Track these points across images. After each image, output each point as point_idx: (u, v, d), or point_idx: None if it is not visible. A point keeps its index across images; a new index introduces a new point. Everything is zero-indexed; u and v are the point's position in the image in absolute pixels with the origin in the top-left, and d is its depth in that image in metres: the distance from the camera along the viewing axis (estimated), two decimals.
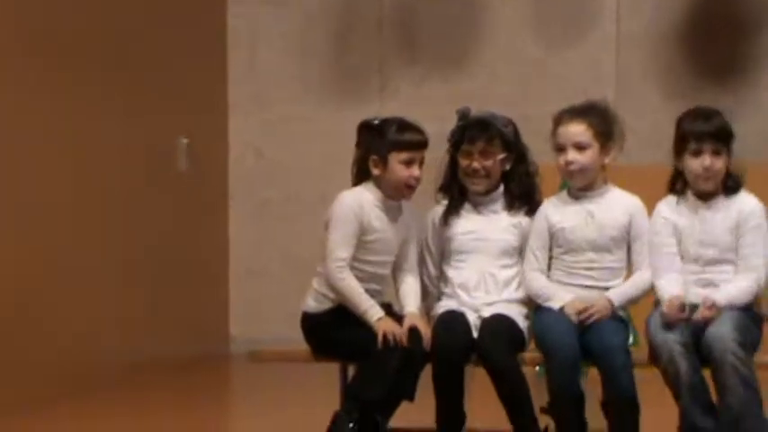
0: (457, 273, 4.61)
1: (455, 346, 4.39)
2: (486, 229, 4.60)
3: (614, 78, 7.72)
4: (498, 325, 4.44)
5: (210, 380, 7.21)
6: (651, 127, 7.23)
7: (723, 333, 4.21)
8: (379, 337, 4.36)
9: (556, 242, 4.54)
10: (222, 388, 7.06)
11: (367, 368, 4.41)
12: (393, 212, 4.57)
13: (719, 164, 4.43)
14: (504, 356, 4.37)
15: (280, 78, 8.13)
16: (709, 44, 7.60)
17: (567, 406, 4.33)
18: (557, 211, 4.56)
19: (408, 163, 4.50)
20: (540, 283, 4.52)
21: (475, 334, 4.45)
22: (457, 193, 4.66)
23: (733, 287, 4.35)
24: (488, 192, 4.65)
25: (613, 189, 4.59)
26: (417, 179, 4.52)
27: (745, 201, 4.45)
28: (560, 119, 4.55)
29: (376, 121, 4.59)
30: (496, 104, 7.31)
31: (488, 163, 4.60)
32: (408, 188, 4.54)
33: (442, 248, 4.67)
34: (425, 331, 4.43)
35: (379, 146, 4.52)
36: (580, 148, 4.50)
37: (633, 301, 4.51)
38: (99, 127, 6.84)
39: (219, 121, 8.13)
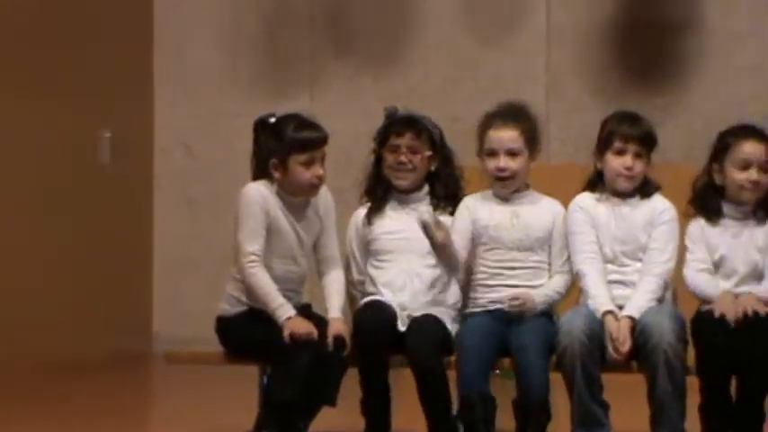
0: (381, 272, 4.57)
1: (378, 327, 4.35)
2: (410, 228, 4.56)
3: (545, 78, 7.70)
4: (428, 325, 4.41)
5: (130, 380, 7.10)
6: (580, 126, 7.23)
7: (662, 324, 4.23)
8: (285, 337, 4.28)
9: (479, 239, 4.51)
10: (140, 390, 6.94)
11: (278, 369, 4.34)
12: (298, 210, 4.49)
13: (640, 166, 4.50)
14: (431, 356, 4.34)
15: (208, 72, 8.02)
16: (637, 45, 7.61)
17: (474, 409, 4.28)
18: (482, 209, 4.53)
19: (309, 163, 4.43)
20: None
21: (402, 328, 4.42)
22: (381, 193, 4.61)
23: (641, 298, 4.37)
24: (413, 190, 4.60)
25: (535, 192, 4.60)
26: (320, 178, 4.45)
27: (659, 202, 4.52)
28: (491, 123, 4.52)
29: (272, 119, 4.50)
30: (427, 104, 7.28)
31: (415, 158, 4.56)
32: (313, 188, 4.47)
33: (366, 251, 4.62)
34: (349, 337, 4.37)
35: (276, 148, 4.43)
36: (512, 154, 4.49)
37: (556, 300, 4.50)
38: (17, 119, 6.70)
39: (145, 114, 8.00)
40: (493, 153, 4.50)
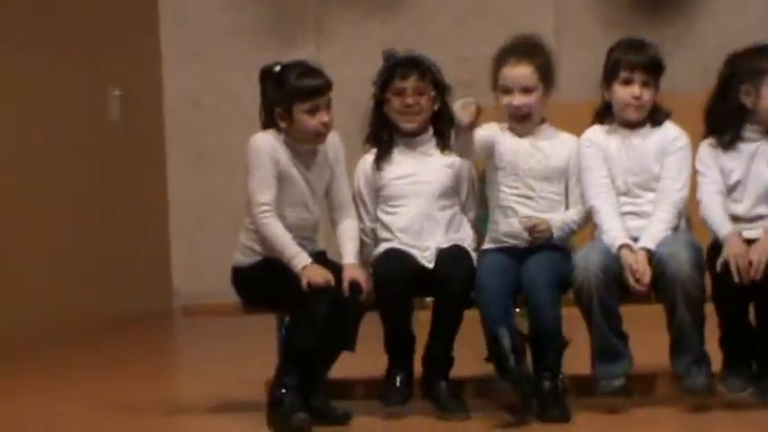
0: (396, 218, 4.54)
1: (398, 277, 4.33)
2: (421, 171, 4.53)
3: (552, 12, 7.64)
4: (458, 254, 4.41)
5: (152, 336, 7.15)
6: (591, 60, 7.14)
7: (679, 254, 4.21)
8: (304, 285, 4.27)
9: (498, 163, 4.46)
10: (162, 344, 6.99)
11: (297, 317, 4.34)
12: (307, 157, 4.46)
13: (648, 95, 4.43)
14: (462, 285, 4.33)
15: (213, 25, 7.99)
16: None
17: (503, 343, 4.24)
18: (501, 135, 4.48)
19: (313, 111, 4.39)
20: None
21: (429, 265, 4.41)
22: (387, 137, 4.57)
23: (655, 228, 4.33)
24: (419, 133, 4.57)
25: (551, 127, 4.54)
26: (326, 125, 4.41)
27: (670, 129, 4.46)
28: (505, 60, 4.46)
29: (277, 68, 4.45)
30: (434, 46, 7.24)
31: (422, 99, 4.52)
32: (319, 135, 4.43)
33: (376, 197, 4.59)
34: (365, 283, 4.36)
35: (280, 98, 4.39)
36: (527, 91, 4.44)
37: (574, 230, 4.46)
38: (26, 80, 6.68)
39: (152, 70, 7.98)
40: (508, 90, 4.44)
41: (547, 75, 4.47)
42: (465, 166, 4.55)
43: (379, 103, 4.57)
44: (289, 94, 4.38)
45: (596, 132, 4.50)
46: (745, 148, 4.38)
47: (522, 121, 4.47)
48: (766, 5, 7.40)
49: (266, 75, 4.48)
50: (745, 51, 4.40)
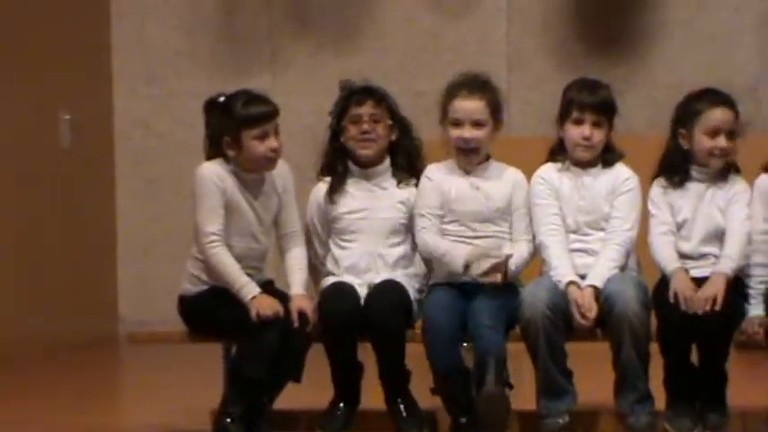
0: (345, 254, 4.54)
1: (342, 311, 4.34)
2: (373, 207, 4.54)
3: (506, 51, 7.69)
4: (389, 288, 4.40)
5: (96, 363, 7.07)
6: (543, 100, 7.22)
7: (626, 292, 4.24)
8: (253, 316, 4.27)
9: (442, 209, 4.49)
10: (106, 372, 6.92)
11: (245, 347, 4.33)
12: (255, 186, 4.46)
13: (599, 135, 4.48)
14: (391, 316, 4.33)
15: (167, 52, 7.96)
16: (598, 16, 7.61)
17: (448, 381, 4.31)
18: (444, 180, 4.51)
19: (262, 137, 4.39)
20: (433, 241, 4.45)
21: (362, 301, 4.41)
22: (341, 169, 4.57)
23: (603, 266, 4.37)
24: (375, 163, 4.57)
25: (495, 162, 4.57)
26: (276, 150, 4.42)
27: (622, 170, 4.51)
28: (456, 92, 4.49)
29: (221, 99, 4.48)
30: (388, 79, 7.24)
31: (378, 126, 4.53)
32: (269, 161, 4.44)
33: (328, 227, 4.59)
34: (312, 314, 4.36)
35: (228, 126, 4.40)
36: (478, 124, 4.47)
37: (517, 272, 4.47)
38: None
39: (104, 96, 7.93)
40: (458, 123, 4.47)
41: (496, 111, 4.51)
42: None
43: (335, 133, 4.58)
44: (237, 122, 4.38)
45: (549, 170, 4.53)
46: (694, 187, 4.44)
47: (469, 155, 4.50)
48: (717, 48, 7.50)
49: (211, 106, 4.50)
50: (688, 95, 4.48)
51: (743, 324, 4.25)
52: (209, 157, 4.48)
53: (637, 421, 4.30)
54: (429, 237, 4.45)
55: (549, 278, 4.39)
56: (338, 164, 4.58)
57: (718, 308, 4.19)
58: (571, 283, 4.34)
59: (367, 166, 4.58)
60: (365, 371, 4.48)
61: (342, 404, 4.44)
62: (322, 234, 4.61)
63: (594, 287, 4.33)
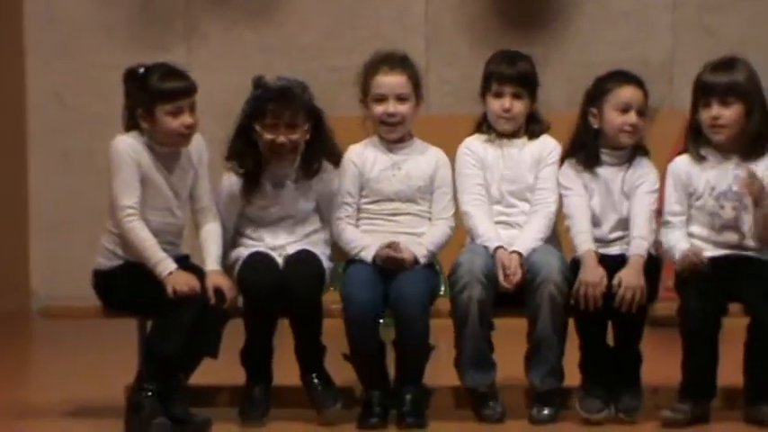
0: (256, 234, 4.53)
1: (264, 283, 4.32)
2: (284, 201, 4.51)
3: (424, 28, 7.70)
4: (303, 260, 4.39)
5: (7, 339, 6.98)
6: (461, 76, 7.25)
7: (550, 262, 4.28)
8: (169, 292, 4.23)
9: (364, 189, 4.51)
10: (18, 348, 6.83)
11: (160, 324, 4.30)
12: (169, 160, 4.41)
13: (519, 107, 4.50)
14: (309, 289, 4.32)
15: (82, 24, 7.86)
16: None
17: (366, 357, 4.34)
18: (364, 160, 4.52)
19: (176, 113, 4.34)
20: (349, 234, 4.46)
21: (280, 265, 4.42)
22: (252, 167, 4.49)
23: (528, 237, 4.40)
24: (287, 165, 4.52)
25: (418, 141, 4.58)
26: (189, 127, 4.36)
27: (548, 141, 4.54)
28: (378, 68, 4.49)
29: (141, 70, 4.40)
30: (305, 55, 7.28)
31: (295, 136, 4.46)
32: (182, 137, 4.38)
33: (238, 216, 4.55)
34: (228, 289, 4.33)
35: (143, 98, 4.34)
36: (401, 99, 4.47)
37: (437, 252, 4.48)
38: None
39: (16, 67, 7.80)
40: (382, 98, 4.46)
41: (417, 86, 4.53)
42: (328, 187, 4.54)
43: (245, 128, 4.48)
44: (151, 96, 4.33)
45: (475, 141, 4.56)
46: (603, 173, 4.47)
47: (393, 130, 4.50)
48: (632, 26, 7.57)
49: (130, 76, 4.43)
50: (597, 77, 4.53)
51: (679, 261, 4.28)
52: (128, 128, 4.42)
53: (542, 384, 4.34)
54: (343, 228, 4.48)
55: (483, 246, 4.39)
56: (249, 161, 4.49)
57: (641, 303, 4.24)
58: (499, 247, 4.37)
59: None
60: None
61: (257, 387, 4.42)
62: (233, 219, 4.55)
63: (520, 254, 4.36)
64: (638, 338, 4.35)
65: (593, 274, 4.28)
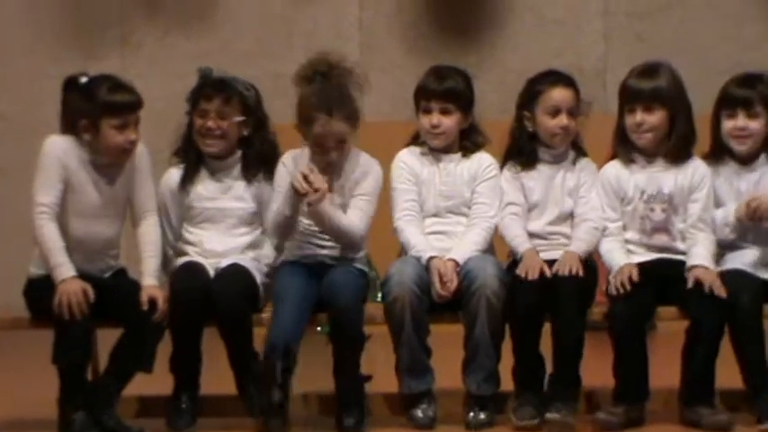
0: (197, 239, 4.52)
1: (193, 289, 4.30)
2: (222, 198, 4.51)
3: (358, 35, 7.71)
4: (233, 273, 4.38)
5: None
6: (395, 84, 7.27)
7: (486, 269, 4.30)
8: (56, 300, 4.18)
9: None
10: None
11: (57, 333, 4.23)
12: (104, 167, 4.37)
13: (449, 122, 4.50)
14: (235, 301, 4.30)
15: (12, 32, 7.78)
16: (451, 3, 7.68)
17: (284, 353, 4.28)
18: (298, 168, 4.49)
19: (122, 127, 4.32)
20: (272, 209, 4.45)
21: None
22: (194, 158, 4.52)
23: (465, 247, 4.42)
24: (224, 156, 4.53)
25: (354, 149, 4.56)
26: (133, 143, 4.35)
27: (484, 158, 4.56)
28: (315, 117, 4.43)
29: (83, 79, 4.37)
30: (241, 62, 7.24)
31: (224, 123, 4.47)
32: (125, 152, 4.36)
33: (181, 214, 4.55)
34: (162, 301, 4.30)
35: (88, 109, 4.31)
36: (341, 142, 4.44)
37: (336, 226, 4.39)
38: None
39: None
40: (323, 145, 4.41)
41: (355, 121, 4.48)
42: (268, 190, 4.53)
43: (192, 120, 4.53)
44: (98, 108, 4.29)
45: (411, 154, 4.57)
46: (544, 169, 4.51)
47: (331, 167, 4.47)
48: (565, 33, 7.63)
49: (71, 84, 4.38)
50: (529, 79, 4.55)
51: (612, 280, 4.30)
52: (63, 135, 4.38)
53: (478, 389, 4.36)
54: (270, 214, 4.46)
55: (416, 257, 4.41)
56: (190, 152, 4.52)
57: (579, 273, 4.26)
58: (433, 257, 4.38)
59: (216, 158, 4.53)
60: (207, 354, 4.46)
61: (185, 395, 4.41)
62: (175, 220, 4.56)
63: (456, 261, 4.37)
64: (577, 362, 4.35)
65: (534, 260, 4.31)
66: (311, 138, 4.42)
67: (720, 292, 4.21)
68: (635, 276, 4.27)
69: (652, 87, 4.39)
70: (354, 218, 4.42)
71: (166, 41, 7.75)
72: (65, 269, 4.22)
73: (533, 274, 4.27)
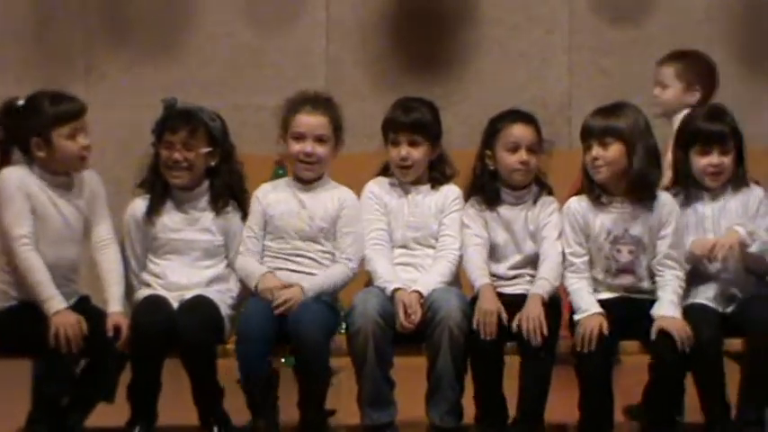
0: (161, 271, 4.50)
1: (155, 323, 4.28)
2: (188, 229, 4.50)
3: (324, 66, 7.73)
4: (198, 304, 4.36)
5: None
6: (361, 116, 7.27)
7: (450, 301, 4.29)
8: (51, 333, 4.16)
9: (268, 226, 4.51)
10: None
11: (47, 364, 4.22)
12: (63, 190, 4.36)
13: (416, 154, 4.52)
14: (199, 332, 4.28)
15: None
16: (416, 35, 7.71)
17: (256, 386, 4.31)
18: (271, 196, 4.53)
19: (73, 135, 4.31)
20: (248, 267, 4.44)
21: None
22: (160, 189, 4.51)
23: (431, 279, 4.43)
24: (191, 187, 4.53)
25: (330, 181, 4.60)
26: (86, 148, 4.35)
27: (451, 190, 4.57)
28: (300, 107, 4.51)
29: (19, 102, 4.37)
30: (208, 93, 7.23)
31: (190, 155, 4.46)
32: (81, 160, 4.36)
33: (145, 244, 4.53)
34: (126, 330, 4.28)
35: (36, 126, 4.30)
36: (321, 140, 4.48)
37: (329, 292, 4.47)
38: None
39: None
40: (301, 137, 4.48)
41: (338, 130, 4.55)
42: (236, 221, 4.53)
43: (157, 151, 4.52)
44: (47, 121, 4.28)
45: (380, 184, 4.59)
46: (505, 213, 4.52)
47: (308, 169, 4.50)
48: (530, 67, 7.68)
49: (6, 111, 4.36)
50: (490, 118, 4.59)
51: (579, 330, 4.29)
52: (1, 165, 4.34)
53: (441, 422, 4.35)
54: (242, 260, 4.48)
55: (380, 288, 4.41)
56: (157, 184, 4.51)
57: (543, 330, 4.25)
58: (398, 289, 4.38)
59: (183, 189, 4.52)
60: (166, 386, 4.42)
61: (139, 425, 4.37)
62: (137, 249, 4.53)
63: (420, 293, 4.37)
64: (546, 380, 4.34)
65: (489, 303, 4.31)
66: (292, 127, 4.42)
67: (687, 343, 4.22)
68: (604, 329, 4.26)
69: (605, 125, 4.43)
70: (337, 268, 4.46)
71: (132, 71, 7.72)
72: (56, 301, 4.22)
73: (490, 332, 4.26)
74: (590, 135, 4.45)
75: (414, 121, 4.51)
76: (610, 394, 4.33)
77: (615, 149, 4.41)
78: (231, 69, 7.69)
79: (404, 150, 4.50)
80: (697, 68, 5.15)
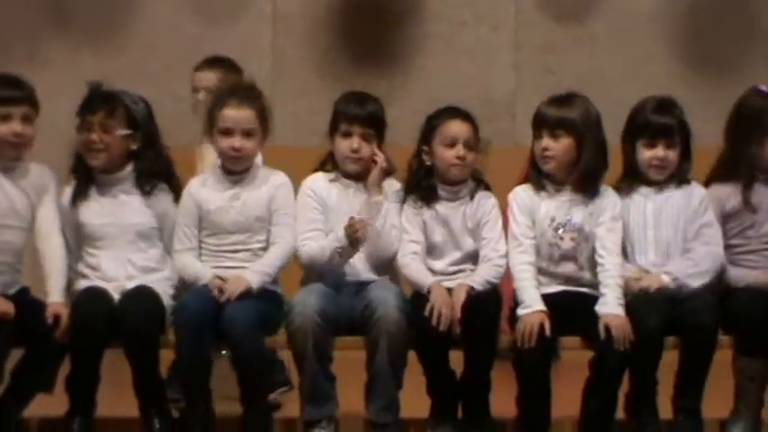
0: (94, 260, 4.46)
1: (95, 314, 4.25)
2: (117, 213, 4.45)
3: (270, 59, 7.70)
4: (140, 294, 4.34)
5: None
6: (307, 109, 7.26)
7: (388, 299, 4.31)
8: None
9: (203, 222, 4.47)
10: None
11: None
12: (7, 172, 4.34)
13: (368, 148, 4.52)
14: (143, 322, 4.26)
15: None
16: (362, 29, 7.71)
17: (194, 374, 4.29)
18: (203, 192, 4.49)
19: (4, 118, 4.30)
20: (188, 265, 4.42)
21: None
22: (84, 175, 4.46)
23: None
24: (112, 170, 4.47)
25: (262, 169, 4.57)
26: (18, 135, 4.32)
27: (392, 183, 4.58)
28: (226, 101, 4.47)
29: None
30: (149, 83, 7.18)
31: (107, 137, 4.41)
32: (10, 145, 4.33)
33: (77, 233, 4.48)
34: (65, 320, 4.24)
35: None
36: (248, 134, 4.45)
37: (274, 273, 4.45)
38: None
39: None
40: (228, 132, 4.45)
41: (265, 120, 4.51)
42: (167, 203, 4.49)
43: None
44: None
45: (318, 180, 4.57)
46: (442, 209, 4.52)
47: (236, 164, 4.47)
48: (476, 64, 7.70)
49: None
50: (427, 115, 4.60)
51: (518, 330, 4.30)
52: None
53: (377, 417, 4.36)
54: (181, 258, 4.45)
55: (319, 285, 4.41)
56: (80, 169, 4.47)
57: (457, 315, 4.26)
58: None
59: (105, 173, 4.48)
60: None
61: (77, 419, 4.35)
62: (71, 239, 4.48)
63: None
64: (487, 372, 4.38)
65: (443, 296, 4.32)
66: (218, 122, 4.40)
67: (627, 342, 4.24)
68: (546, 329, 4.27)
69: (559, 115, 4.45)
70: (278, 247, 4.43)
71: (74, 60, 7.65)
72: None
73: (444, 325, 4.26)
74: (542, 124, 4.46)
75: (369, 114, 4.51)
76: (548, 391, 4.35)
77: (565, 142, 4.43)
78: (175, 60, 7.64)
79: (356, 143, 4.49)
80: None
